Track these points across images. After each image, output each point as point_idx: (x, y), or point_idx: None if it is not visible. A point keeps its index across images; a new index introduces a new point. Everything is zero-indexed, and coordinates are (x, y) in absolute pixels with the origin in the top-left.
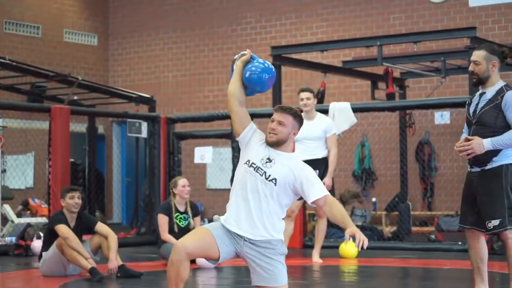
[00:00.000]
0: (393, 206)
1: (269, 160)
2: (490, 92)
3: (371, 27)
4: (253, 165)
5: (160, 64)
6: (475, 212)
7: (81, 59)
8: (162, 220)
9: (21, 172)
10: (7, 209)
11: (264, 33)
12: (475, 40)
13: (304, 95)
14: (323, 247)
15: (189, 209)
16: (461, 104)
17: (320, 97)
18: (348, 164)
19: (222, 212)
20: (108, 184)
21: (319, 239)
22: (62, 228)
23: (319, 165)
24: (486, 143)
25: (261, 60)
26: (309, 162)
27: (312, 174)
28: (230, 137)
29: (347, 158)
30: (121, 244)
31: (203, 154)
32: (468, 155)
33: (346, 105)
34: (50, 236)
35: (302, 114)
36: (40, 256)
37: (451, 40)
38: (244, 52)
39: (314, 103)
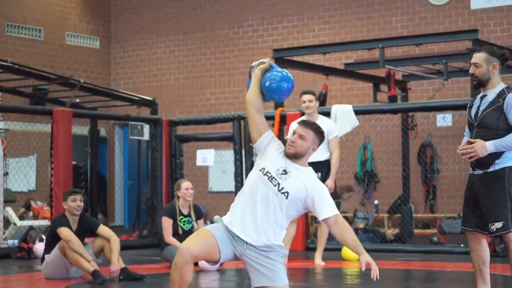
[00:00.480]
0: (396, 209)
1: (285, 172)
2: (491, 94)
3: (373, 30)
4: (267, 173)
5: (162, 67)
6: (477, 214)
7: (83, 62)
8: (166, 223)
9: (23, 175)
10: (10, 211)
11: (266, 35)
12: (477, 43)
13: (306, 97)
14: (325, 250)
15: (192, 212)
16: (463, 107)
17: (322, 99)
18: (350, 166)
19: (224, 214)
20: (110, 186)
21: (322, 242)
22: (64, 231)
23: (321, 167)
24: (489, 146)
25: (279, 69)
26: (311, 164)
27: (325, 191)
28: (232, 140)
29: (349, 160)
30: (123, 247)
31: (205, 156)
32: (470, 158)
33: (348, 108)
34: (53, 239)
35: (304, 116)
36: (43, 258)
37: (453, 42)
38: (263, 60)
39: (316, 105)
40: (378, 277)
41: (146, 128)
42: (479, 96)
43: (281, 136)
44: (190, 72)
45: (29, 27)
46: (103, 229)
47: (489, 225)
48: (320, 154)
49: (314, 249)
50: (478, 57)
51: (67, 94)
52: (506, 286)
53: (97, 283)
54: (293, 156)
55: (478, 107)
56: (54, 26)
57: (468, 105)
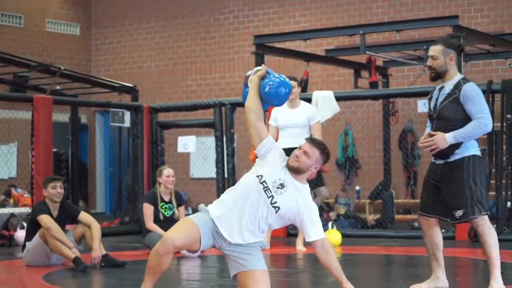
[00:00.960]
0: (377, 194)
1: (282, 186)
2: (448, 86)
3: (353, 16)
4: (264, 183)
5: (142, 54)
6: (437, 201)
7: (64, 49)
8: (148, 210)
9: (4, 162)
10: None
11: (247, 22)
12: (457, 29)
13: None
14: None
15: (173, 198)
16: None
17: (304, 85)
18: (332, 152)
19: (206, 201)
20: (91, 173)
21: None
22: (44, 218)
23: None
24: (449, 137)
25: (277, 75)
26: (291, 150)
27: (315, 214)
28: (213, 126)
29: (330, 146)
30: (105, 234)
31: (186, 143)
32: (432, 150)
33: (329, 94)
34: (33, 226)
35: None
36: (24, 246)
37: (434, 28)
38: (259, 67)
39: (298, 91)
40: None
41: (127, 115)
42: (437, 88)
43: None
44: (171, 59)
45: (9, 14)
46: (84, 216)
47: (453, 212)
48: (301, 140)
49: (295, 235)
50: (435, 49)
51: (48, 81)
52: (486, 271)
53: (79, 270)
54: (294, 170)
55: (437, 99)
56: (34, 13)
57: (428, 97)
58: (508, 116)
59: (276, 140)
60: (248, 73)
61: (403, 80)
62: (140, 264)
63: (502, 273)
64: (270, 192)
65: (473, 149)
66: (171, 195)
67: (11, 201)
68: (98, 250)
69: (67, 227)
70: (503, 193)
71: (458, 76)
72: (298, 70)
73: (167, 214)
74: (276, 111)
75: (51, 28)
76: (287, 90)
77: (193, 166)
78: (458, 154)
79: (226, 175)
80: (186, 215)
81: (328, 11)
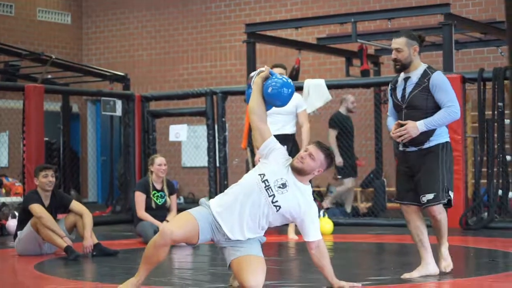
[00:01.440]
0: (368, 183)
1: (284, 185)
2: (415, 75)
3: (345, 4)
4: (266, 182)
5: (134, 43)
6: (410, 188)
7: (55, 38)
8: (139, 198)
9: None
10: None
11: (238, 10)
12: (448, 17)
13: (277, 70)
14: None
15: (165, 187)
16: None
17: (295, 74)
18: (323, 140)
19: (197, 189)
20: (83, 162)
21: None
22: (36, 208)
23: (288, 141)
24: (420, 125)
25: (279, 76)
26: (277, 137)
27: (315, 215)
28: (204, 115)
29: (322, 135)
30: (97, 223)
31: (178, 132)
32: (404, 139)
33: (321, 82)
34: (25, 215)
35: None
36: (15, 235)
37: (425, 16)
38: (262, 68)
39: None
40: None
41: (119, 104)
42: (401, 78)
43: None
44: (162, 48)
45: (0, 3)
46: (75, 205)
47: (421, 196)
48: (287, 128)
49: (286, 224)
50: (399, 42)
51: (39, 70)
52: (477, 258)
53: (70, 259)
54: (298, 171)
55: (404, 89)
56: (25, 2)
57: (390, 87)
58: (500, 104)
59: None
60: (252, 74)
61: None
62: (132, 253)
63: (493, 261)
64: (272, 191)
65: (446, 136)
66: (163, 183)
67: (3, 190)
68: (90, 239)
69: (59, 216)
70: (494, 181)
71: (423, 66)
72: (289, 58)
73: (159, 202)
74: None
75: (42, 17)
76: (289, 90)
77: (185, 155)
78: (433, 141)
79: (217, 164)
80: (178, 203)
81: None
